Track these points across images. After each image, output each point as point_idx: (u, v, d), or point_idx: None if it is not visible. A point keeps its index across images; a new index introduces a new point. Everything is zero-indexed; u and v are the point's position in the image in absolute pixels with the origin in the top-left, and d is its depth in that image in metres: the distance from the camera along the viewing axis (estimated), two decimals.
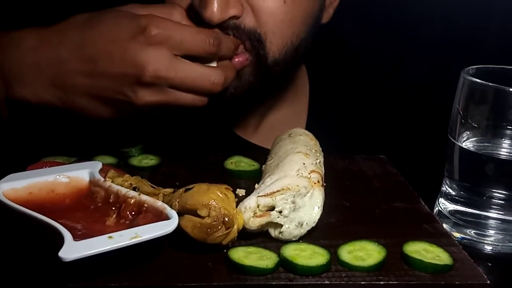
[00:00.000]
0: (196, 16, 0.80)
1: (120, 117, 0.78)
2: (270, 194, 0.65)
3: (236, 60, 0.84)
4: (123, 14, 0.75)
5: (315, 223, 0.67)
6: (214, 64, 0.78)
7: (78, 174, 0.69)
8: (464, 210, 0.76)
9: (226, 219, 0.62)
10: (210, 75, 0.75)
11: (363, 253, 0.63)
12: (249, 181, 0.78)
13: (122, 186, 0.67)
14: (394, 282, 0.60)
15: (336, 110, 1.09)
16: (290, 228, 0.65)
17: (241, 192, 0.76)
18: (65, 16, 0.78)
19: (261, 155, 0.83)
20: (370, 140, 1.10)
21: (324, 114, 1.08)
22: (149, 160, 0.85)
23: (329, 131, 1.03)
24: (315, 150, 0.77)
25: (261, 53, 0.86)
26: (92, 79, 0.74)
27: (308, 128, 1.00)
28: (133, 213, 0.63)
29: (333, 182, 0.78)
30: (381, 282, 0.60)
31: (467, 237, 0.75)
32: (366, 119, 1.12)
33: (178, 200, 0.65)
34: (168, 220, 0.60)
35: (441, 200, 0.80)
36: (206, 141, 1.00)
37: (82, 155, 0.81)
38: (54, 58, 0.75)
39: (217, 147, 0.95)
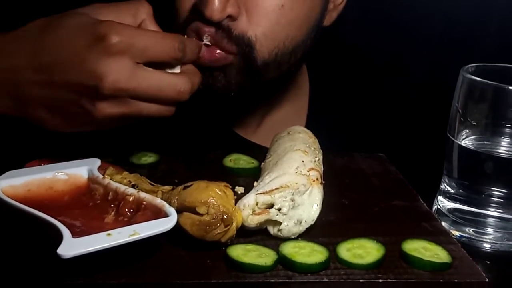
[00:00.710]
0: (166, 14, 0.80)
1: (81, 130, 0.73)
2: (269, 192, 0.65)
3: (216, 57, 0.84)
4: (82, 20, 0.70)
5: (314, 221, 0.67)
6: (177, 70, 0.73)
7: (77, 171, 0.69)
8: (463, 208, 0.76)
9: (225, 216, 0.62)
10: (176, 84, 0.70)
11: (362, 251, 0.63)
12: (248, 179, 0.78)
13: (120, 183, 0.67)
14: (393, 280, 0.60)
15: (336, 108, 1.09)
16: (289, 225, 0.65)
17: (240, 189, 0.76)
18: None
19: (260, 153, 0.83)
20: (369, 138, 1.10)
21: (324, 112, 1.08)
22: (148, 158, 0.85)
23: (329, 129, 1.03)
24: (314, 148, 0.77)
25: (250, 56, 0.85)
26: (48, 90, 0.69)
27: (308, 126, 1.00)
28: (131, 210, 0.63)
29: (332, 180, 0.78)
30: (380, 280, 0.60)
31: (466, 235, 0.75)
32: (365, 117, 1.12)
33: (177, 197, 0.65)
34: (167, 218, 0.60)
35: (440, 198, 0.80)
36: (206, 140, 1.00)
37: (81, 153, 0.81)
38: (10, 66, 0.71)
39: (217, 147, 0.95)
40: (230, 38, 0.83)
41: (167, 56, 0.70)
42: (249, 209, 0.64)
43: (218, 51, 0.84)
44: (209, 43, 0.83)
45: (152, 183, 0.69)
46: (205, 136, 1.01)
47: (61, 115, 0.71)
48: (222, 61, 0.85)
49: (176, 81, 0.70)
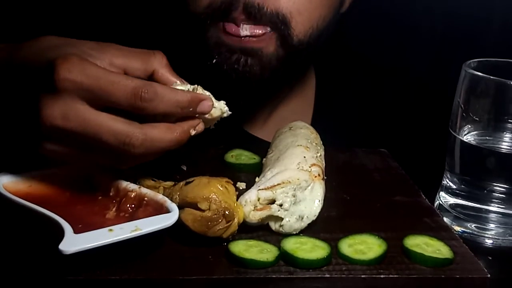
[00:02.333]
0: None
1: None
2: (270, 188, 0.65)
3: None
4: (59, 50, 0.64)
5: (316, 216, 0.67)
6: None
7: (79, 167, 0.69)
8: (464, 203, 0.76)
9: (227, 212, 0.62)
10: (120, 133, 0.60)
11: (364, 246, 0.63)
12: (249, 175, 0.78)
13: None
14: (395, 276, 0.60)
15: (341, 105, 1.09)
16: (291, 221, 0.65)
17: (241, 185, 0.75)
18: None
19: (262, 148, 0.83)
20: (374, 135, 1.10)
21: (329, 109, 1.08)
22: None
23: (334, 126, 1.03)
24: (316, 143, 0.77)
25: (285, 33, 0.86)
26: None
27: (314, 122, 1.00)
28: (133, 206, 0.63)
29: (334, 176, 0.77)
30: (382, 276, 0.60)
31: (468, 231, 0.75)
32: (370, 114, 1.12)
33: (178, 193, 0.65)
34: (169, 213, 0.60)
35: (442, 193, 0.80)
36: (212, 135, 1.00)
37: None
38: None
39: (224, 142, 0.95)
40: (264, 14, 0.84)
41: (124, 102, 0.61)
42: (250, 204, 0.64)
43: (254, 31, 0.85)
44: (248, 33, 0.85)
45: (154, 178, 0.69)
46: (212, 131, 1.00)
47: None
48: (259, 41, 0.85)
49: (123, 130, 0.60)
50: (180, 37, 0.95)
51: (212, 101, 0.66)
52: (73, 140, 0.61)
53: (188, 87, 0.67)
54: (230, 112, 0.68)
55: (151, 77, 0.66)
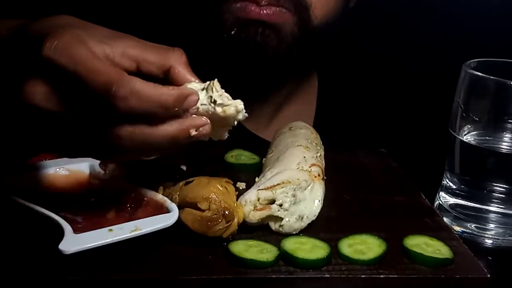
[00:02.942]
0: None
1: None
2: (270, 188, 0.65)
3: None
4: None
5: (316, 216, 0.67)
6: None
7: (78, 167, 0.69)
8: (464, 204, 0.76)
9: (227, 212, 0.62)
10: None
11: (364, 246, 0.63)
12: (249, 175, 0.78)
13: None
14: (394, 276, 0.60)
15: (343, 106, 1.09)
16: (291, 221, 0.65)
17: (241, 185, 0.75)
18: None
19: (261, 148, 0.83)
20: (375, 135, 1.10)
21: (332, 109, 1.08)
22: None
23: (337, 127, 1.03)
24: (316, 144, 0.77)
25: (304, 17, 0.87)
26: None
27: (316, 123, 1.00)
28: (133, 206, 0.63)
29: (334, 176, 0.77)
30: (381, 276, 0.60)
31: (468, 231, 0.75)
32: (371, 114, 1.12)
33: (178, 193, 0.65)
34: (168, 213, 0.60)
35: (442, 193, 0.80)
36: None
37: None
38: None
39: (227, 141, 0.95)
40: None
41: (98, 98, 0.54)
42: (250, 204, 0.64)
43: (275, 8, 0.86)
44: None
45: (154, 179, 0.69)
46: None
47: None
48: (279, 17, 0.86)
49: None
50: (194, 16, 0.95)
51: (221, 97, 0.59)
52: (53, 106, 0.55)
53: (204, 86, 0.60)
54: (246, 114, 0.61)
55: (167, 74, 0.60)
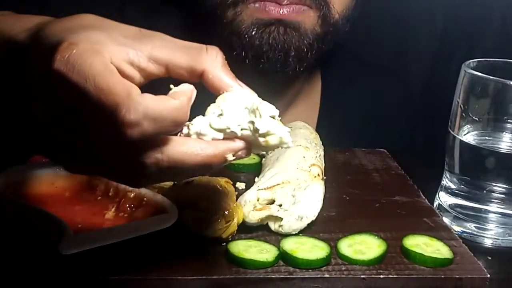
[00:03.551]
0: None
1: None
2: (270, 188, 0.65)
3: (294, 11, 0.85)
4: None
5: (315, 216, 0.67)
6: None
7: None
8: (464, 204, 0.76)
9: (226, 212, 0.62)
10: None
11: (363, 246, 0.63)
12: (249, 175, 0.78)
13: None
14: (394, 276, 0.60)
15: (346, 108, 1.09)
16: (290, 221, 0.65)
17: (241, 185, 0.75)
18: None
19: None
20: (375, 135, 1.10)
21: (335, 112, 1.08)
22: None
23: (340, 129, 1.03)
24: (315, 144, 0.77)
25: (325, 12, 0.87)
26: None
27: (319, 126, 1.00)
28: (132, 206, 0.63)
29: (333, 176, 0.77)
30: (381, 276, 0.60)
31: (467, 230, 0.75)
32: (372, 114, 1.12)
33: (178, 193, 0.65)
34: (168, 214, 0.60)
35: (441, 193, 0.80)
36: None
37: None
38: None
39: None
40: None
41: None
42: (250, 205, 0.64)
43: (296, 6, 0.85)
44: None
45: None
46: None
47: None
48: (299, 14, 0.86)
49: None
50: (211, 19, 0.93)
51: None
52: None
53: (248, 93, 0.52)
54: (292, 145, 0.52)
55: (201, 79, 0.52)
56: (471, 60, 0.77)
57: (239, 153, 0.51)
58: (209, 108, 0.51)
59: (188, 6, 0.99)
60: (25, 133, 0.54)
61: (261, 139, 0.50)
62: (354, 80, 1.12)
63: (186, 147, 0.49)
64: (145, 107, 0.46)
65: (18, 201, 0.62)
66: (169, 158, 0.48)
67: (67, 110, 0.48)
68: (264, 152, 0.53)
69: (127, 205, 0.63)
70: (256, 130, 0.50)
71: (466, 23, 1.25)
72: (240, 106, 0.51)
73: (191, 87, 0.50)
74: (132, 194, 0.63)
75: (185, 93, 0.48)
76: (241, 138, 0.50)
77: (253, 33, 0.86)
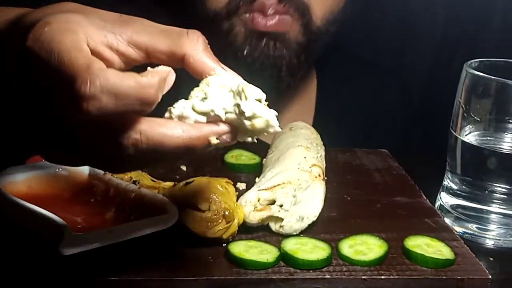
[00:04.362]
0: None
1: None
2: (270, 188, 0.65)
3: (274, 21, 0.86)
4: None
5: (316, 217, 0.66)
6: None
7: (78, 168, 0.69)
8: (466, 204, 0.76)
9: (227, 213, 0.61)
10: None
11: (364, 247, 0.63)
12: (249, 175, 0.78)
13: (122, 179, 0.67)
14: (395, 277, 0.60)
15: (343, 106, 1.09)
16: (291, 222, 0.65)
17: (241, 186, 0.75)
18: None
19: (262, 149, 0.83)
20: (375, 135, 1.10)
21: (331, 110, 1.08)
22: None
23: (336, 127, 1.03)
24: (316, 144, 0.77)
25: (307, 19, 0.88)
26: None
27: (315, 124, 1.00)
28: (133, 206, 0.63)
29: (334, 176, 0.77)
30: (382, 277, 0.59)
31: (469, 231, 0.75)
32: (371, 114, 1.12)
33: (178, 193, 0.64)
34: (168, 214, 0.60)
35: (443, 194, 0.80)
36: None
37: None
38: None
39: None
40: (290, 1, 0.85)
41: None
42: (250, 205, 0.64)
43: (280, 16, 0.86)
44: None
45: (154, 179, 0.69)
46: None
47: None
48: (284, 25, 0.86)
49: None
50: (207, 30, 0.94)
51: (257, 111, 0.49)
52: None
53: (233, 76, 0.50)
54: (279, 129, 0.51)
55: (183, 64, 0.50)
56: (473, 60, 0.77)
57: (224, 137, 0.49)
58: (192, 92, 0.50)
59: (183, 19, 0.99)
60: (12, 121, 0.52)
61: (247, 122, 0.49)
62: (350, 79, 1.12)
63: (166, 128, 0.47)
64: (104, 81, 0.44)
65: (18, 201, 0.61)
66: (149, 140, 0.46)
67: (39, 89, 0.47)
68: (250, 139, 0.50)
69: (127, 206, 0.63)
70: (241, 113, 0.48)
71: (467, 23, 1.24)
72: (224, 90, 0.49)
73: (169, 68, 0.48)
74: (132, 195, 0.63)
75: (158, 73, 0.46)
76: (226, 121, 0.49)
77: (246, 52, 0.88)
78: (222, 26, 0.89)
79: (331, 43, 1.04)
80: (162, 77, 0.46)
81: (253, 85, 0.50)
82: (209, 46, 0.51)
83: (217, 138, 0.48)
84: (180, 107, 0.49)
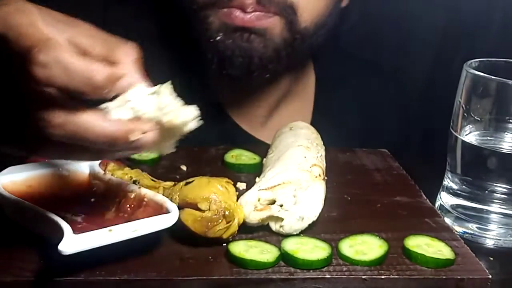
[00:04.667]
0: None
1: None
2: (271, 188, 0.65)
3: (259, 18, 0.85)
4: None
5: (316, 217, 0.66)
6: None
7: (78, 167, 0.69)
8: (466, 204, 0.76)
9: (227, 212, 0.61)
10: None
11: (364, 247, 0.63)
12: (250, 175, 0.78)
13: (122, 179, 0.67)
14: (395, 277, 0.60)
15: (341, 105, 1.09)
16: (291, 222, 0.65)
17: (241, 185, 0.75)
18: None
19: (262, 149, 0.83)
20: (374, 134, 1.10)
21: (329, 108, 1.08)
22: (149, 153, 0.84)
23: (334, 126, 1.03)
24: (317, 144, 0.77)
25: (292, 19, 0.87)
26: None
27: (313, 122, 1.00)
28: (133, 206, 0.63)
29: (334, 176, 0.77)
30: (382, 277, 0.59)
31: (469, 231, 0.75)
32: (370, 113, 1.12)
33: (178, 193, 0.65)
34: (169, 214, 0.60)
35: (443, 194, 0.80)
36: (210, 135, 1.00)
37: None
38: None
39: (222, 141, 0.95)
40: (272, 2, 0.85)
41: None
42: (251, 205, 0.64)
43: (260, 13, 0.85)
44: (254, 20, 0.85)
45: (154, 179, 0.69)
46: (210, 130, 1.00)
47: None
48: (264, 22, 0.86)
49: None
50: (181, 18, 0.95)
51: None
52: None
53: (153, 90, 0.53)
54: (195, 126, 0.54)
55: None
56: (473, 60, 0.77)
57: (146, 135, 0.51)
58: (117, 98, 0.52)
59: (164, 8, 1.00)
60: None
61: (165, 118, 0.52)
62: (350, 79, 1.12)
63: (93, 117, 0.50)
64: (59, 54, 0.47)
65: (18, 201, 0.61)
66: (75, 123, 0.49)
67: None
68: (170, 147, 0.55)
69: (127, 205, 0.63)
70: (160, 109, 0.52)
71: (467, 23, 1.24)
72: (148, 97, 0.52)
73: (125, 72, 0.51)
74: (133, 194, 0.63)
75: (113, 69, 0.50)
76: (147, 120, 0.52)
77: (218, 38, 0.88)
78: (197, 16, 0.89)
79: (331, 42, 1.04)
80: (115, 73, 0.50)
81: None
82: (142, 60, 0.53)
83: (138, 134, 0.51)
84: (104, 107, 0.52)
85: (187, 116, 0.53)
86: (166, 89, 0.53)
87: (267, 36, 0.87)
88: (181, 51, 0.98)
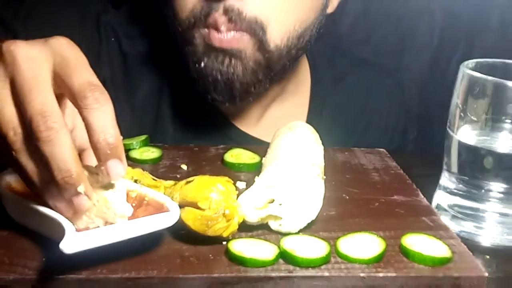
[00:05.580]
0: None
1: None
2: (270, 187, 0.66)
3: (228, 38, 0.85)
4: None
5: (315, 215, 0.67)
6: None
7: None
8: (462, 203, 0.77)
9: (227, 211, 0.62)
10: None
11: (363, 245, 0.63)
12: (249, 174, 0.78)
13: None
14: (393, 274, 0.60)
15: (337, 104, 1.09)
16: (290, 220, 0.65)
17: (241, 184, 0.76)
18: None
19: (260, 147, 0.84)
20: (370, 133, 1.10)
21: (325, 108, 1.08)
22: (150, 153, 0.85)
23: (330, 125, 1.03)
24: (316, 143, 0.77)
25: (262, 39, 0.86)
26: None
27: (309, 121, 1.00)
28: (134, 205, 0.63)
29: (333, 175, 0.78)
30: (380, 274, 0.60)
31: (466, 230, 0.76)
32: (366, 112, 1.12)
33: (179, 192, 0.65)
34: (169, 213, 0.60)
35: (440, 193, 0.80)
36: (205, 134, 1.00)
37: None
38: None
39: (216, 140, 0.95)
40: (243, 19, 0.84)
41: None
42: (250, 204, 0.65)
43: (232, 33, 0.85)
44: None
45: (155, 178, 0.70)
46: (206, 128, 1.01)
47: None
48: (239, 42, 0.85)
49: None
50: (173, 45, 0.95)
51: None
52: None
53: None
54: (116, 222, 0.59)
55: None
56: (469, 61, 0.77)
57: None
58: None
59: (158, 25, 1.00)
60: None
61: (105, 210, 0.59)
62: (346, 78, 1.12)
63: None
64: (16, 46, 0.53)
65: (19, 200, 0.62)
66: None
67: None
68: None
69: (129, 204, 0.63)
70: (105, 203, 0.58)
71: (465, 23, 1.25)
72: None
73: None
74: (134, 194, 0.64)
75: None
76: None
77: (202, 63, 0.88)
78: (186, 36, 0.89)
79: (332, 43, 1.04)
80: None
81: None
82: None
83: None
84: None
85: (122, 212, 0.58)
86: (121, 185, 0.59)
87: (244, 61, 0.87)
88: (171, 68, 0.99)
